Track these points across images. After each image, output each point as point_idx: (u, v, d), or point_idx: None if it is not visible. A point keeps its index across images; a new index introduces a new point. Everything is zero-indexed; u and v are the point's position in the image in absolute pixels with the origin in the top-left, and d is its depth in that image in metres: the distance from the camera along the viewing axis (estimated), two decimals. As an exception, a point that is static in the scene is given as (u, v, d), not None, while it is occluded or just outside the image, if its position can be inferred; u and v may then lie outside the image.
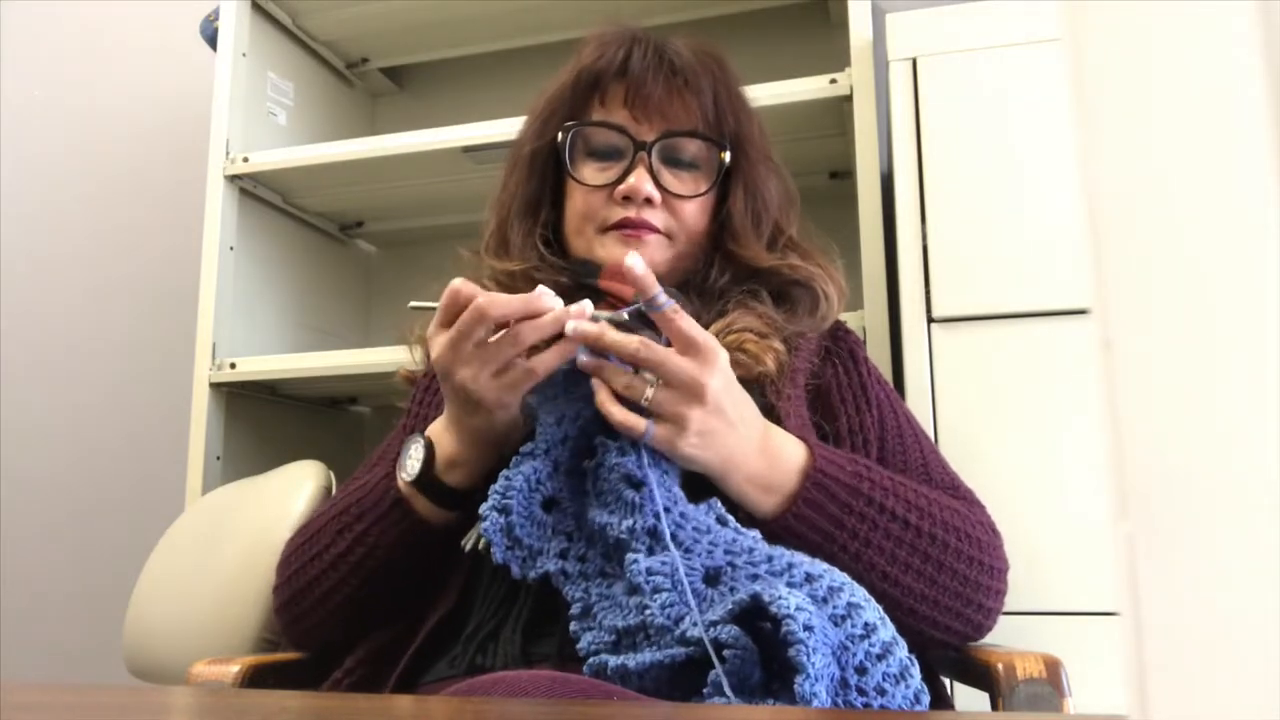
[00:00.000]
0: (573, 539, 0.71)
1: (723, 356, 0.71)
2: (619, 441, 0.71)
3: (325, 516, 0.85)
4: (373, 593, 0.82)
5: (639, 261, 0.69)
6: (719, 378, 0.70)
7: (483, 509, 0.70)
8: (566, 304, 0.72)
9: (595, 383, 0.72)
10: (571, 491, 0.73)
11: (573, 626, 0.66)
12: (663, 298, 0.70)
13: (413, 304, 0.78)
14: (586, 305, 0.72)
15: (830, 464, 0.75)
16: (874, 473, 0.77)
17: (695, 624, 0.60)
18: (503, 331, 0.71)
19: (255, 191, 1.67)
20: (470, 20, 1.79)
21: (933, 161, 1.21)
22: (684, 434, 0.70)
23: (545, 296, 0.70)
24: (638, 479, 0.69)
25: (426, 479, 0.77)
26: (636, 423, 0.70)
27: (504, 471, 0.72)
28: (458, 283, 0.72)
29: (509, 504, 0.69)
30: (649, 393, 0.70)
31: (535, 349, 0.72)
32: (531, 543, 0.70)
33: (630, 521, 0.67)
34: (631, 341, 0.70)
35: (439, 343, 0.72)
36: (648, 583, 0.64)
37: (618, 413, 0.70)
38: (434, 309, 0.74)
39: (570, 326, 0.70)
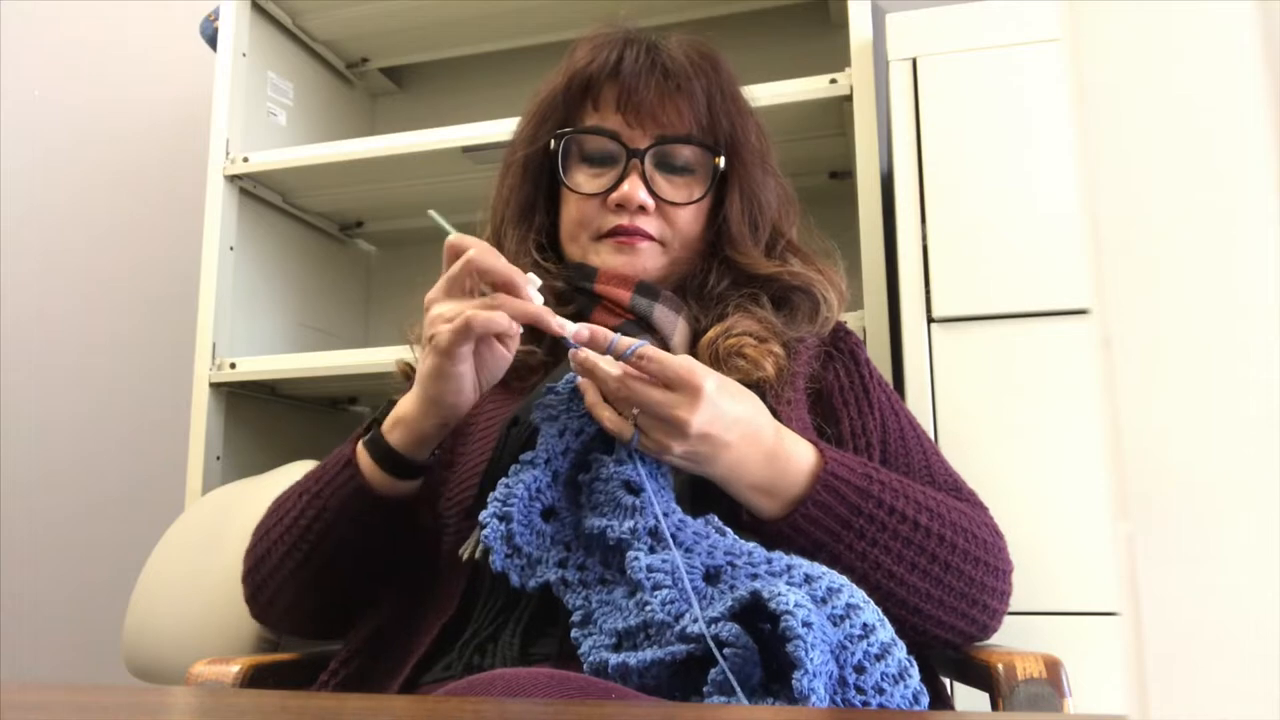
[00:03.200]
0: (571, 549, 0.71)
1: (708, 385, 0.69)
2: (615, 454, 0.72)
3: (294, 487, 0.86)
4: (323, 563, 0.81)
5: (582, 332, 0.72)
6: (703, 411, 0.69)
7: (483, 516, 0.70)
8: (564, 307, 0.73)
9: (583, 384, 0.73)
10: (569, 503, 0.74)
11: (574, 634, 0.66)
12: (623, 343, 0.71)
13: (431, 211, 0.81)
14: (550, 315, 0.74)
15: (841, 466, 0.76)
16: (882, 474, 0.78)
17: (696, 620, 0.60)
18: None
19: (255, 191, 1.67)
20: (470, 20, 1.79)
21: (933, 161, 1.21)
22: (668, 454, 0.71)
23: (531, 285, 0.73)
24: (636, 485, 0.70)
25: (371, 434, 0.79)
26: (623, 427, 0.70)
27: (503, 480, 0.72)
28: (454, 237, 0.75)
29: (509, 511, 0.69)
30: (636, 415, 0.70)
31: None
32: (531, 551, 0.70)
33: (631, 523, 0.68)
34: (614, 378, 0.70)
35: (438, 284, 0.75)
36: (648, 579, 0.64)
37: (607, 416, 0.71)
38: (445, 227, 0.77)
39: (572, 353, 0.72)
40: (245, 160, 1.60)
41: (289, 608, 0.86)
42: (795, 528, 0.74)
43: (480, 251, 0.73)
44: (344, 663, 0.81)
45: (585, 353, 0.72)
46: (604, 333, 0.72)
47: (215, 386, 1.56)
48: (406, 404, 0.78)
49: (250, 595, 0.87)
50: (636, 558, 0.65)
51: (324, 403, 1.82)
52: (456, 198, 1.67)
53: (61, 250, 2.18)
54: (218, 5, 1.69)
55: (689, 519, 0.70)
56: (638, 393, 0.69)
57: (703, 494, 0.75)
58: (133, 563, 1.38)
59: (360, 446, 0.80)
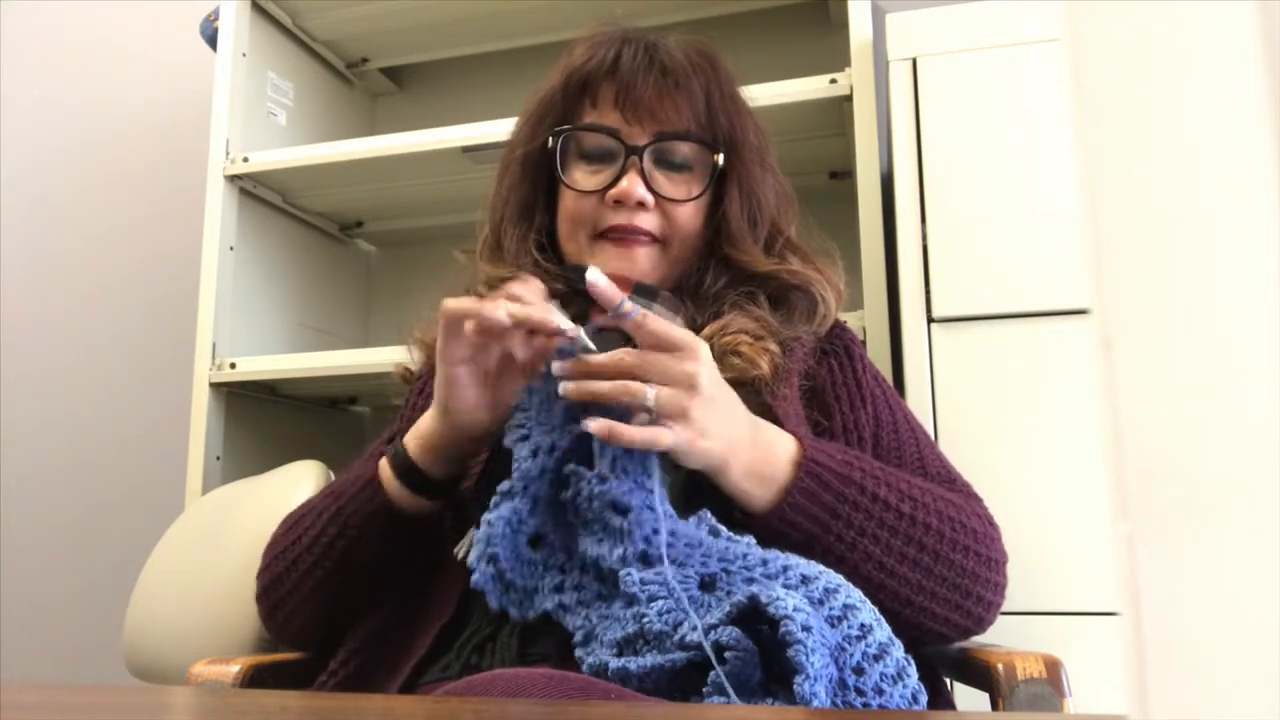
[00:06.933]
0: (565, 570, 0.70)
1: (703, 349, 0.70)
2: (595, 469, 0.69)
3: (311, 503, 0.86)
4: (344, 581, 0.81)
5: (599, 276, 0.69)
6: (705, 368, 0.69)
7: (471, 561, 0.69)
8: (563, 307, 0.72)
9: (593, 423, 0.68)
10: (555, 523, 0.72)
11: (577, 653, 0.66)
12: (628, 305, 0.69)
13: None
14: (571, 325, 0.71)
15: (821, 452, 0.75)
16: (865, 462, 0.77)
17: (694, 628, 0.59)
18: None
19: (255, 191, 1.67)
20: (470, 20, 1.79)
21: (933, 161, 1.21)
22: (692, 426, 0.68)
23: (555, 314, 0.71)
24: (623, 505, 0.68)
25: (395, 446, 0.78)
26: (659, 433, 0.67)
27: (485, 516, 0.70)
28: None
29: (495, 552, 0.68)
30: (651, 394, 0.67)
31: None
32: (524, 583, 0.69)
33: (620, 550, 0.66)
34: (614, 355, 0.69)
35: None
36: (643, 592, 0.63)
37: (634, 433, 0.67)
38: None
39: (557, 367, 0.70)
40: (245, 160, 1.60)
41: (305, 624, 0.86)
42: (784, 519, 0.73)
43: (479, 307, 0.69)
44: (343, 663, 0.81)
45: (575, 359, 0.70)
46: (615, 291, 0.70)
47: (215, 386, 1.56)
48: (428, 422, 0.78)
49: (267, 613, 0.87)
50: (630, 573, 0.65)
51: (324, 403, 1.82)
52: (456, 198, 1.68)
53: (61, 250, 2.18)
54: (218, 5, 1.69)
55: (681, 525, 0.69)
56: (644, 358, 0.68)
57: (696, 494, 0.74)
58: (133, 563, 1.38)
59: (384, 461, 0.79)
